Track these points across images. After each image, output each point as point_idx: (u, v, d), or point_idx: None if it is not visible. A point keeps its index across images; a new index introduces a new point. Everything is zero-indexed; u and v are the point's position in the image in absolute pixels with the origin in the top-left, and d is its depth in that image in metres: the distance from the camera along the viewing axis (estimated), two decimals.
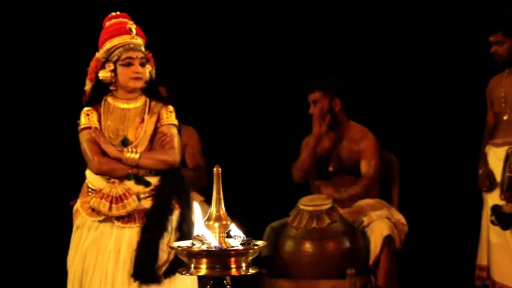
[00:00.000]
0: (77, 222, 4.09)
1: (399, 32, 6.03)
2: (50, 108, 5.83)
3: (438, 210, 5.94)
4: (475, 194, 5.68)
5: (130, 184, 4.03)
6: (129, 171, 4.01)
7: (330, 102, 5.28)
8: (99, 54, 4.09)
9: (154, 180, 4.07)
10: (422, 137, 6.05)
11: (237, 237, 2.42)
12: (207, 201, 5.14)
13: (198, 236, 2.40)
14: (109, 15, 4.16)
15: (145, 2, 5.91)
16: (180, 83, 6.14)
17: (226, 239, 2.40)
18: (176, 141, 4.10)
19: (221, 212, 2.39)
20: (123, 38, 4.06)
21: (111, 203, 3.97)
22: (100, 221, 4.02)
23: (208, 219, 2.39)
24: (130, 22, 4.12)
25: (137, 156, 3.99)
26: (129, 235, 4.00)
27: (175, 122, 4.14)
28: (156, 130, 4.10)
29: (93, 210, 3.99)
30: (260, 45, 6.12)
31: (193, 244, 2.39)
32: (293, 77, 6.15)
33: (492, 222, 4.81)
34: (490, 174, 5.14)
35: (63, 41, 5.80)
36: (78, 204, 4.10)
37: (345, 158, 5.27)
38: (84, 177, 4.17)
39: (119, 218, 3.99)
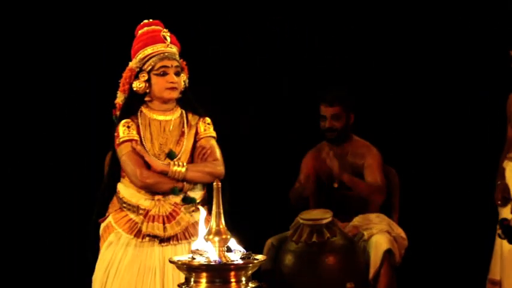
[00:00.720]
0: (110, 238, 3.92)
1: (401, 40, 6.03)
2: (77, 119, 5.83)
3: (438, 225, 5.94)
4: (475, 207, 5.69)
5: (175, 198, 3.91)
6: (175, 185, 3.89)
7: (347, 116, 5.30)
8: (132, 64, 3.97)
9: (197, 195, 3.97)
10: (421, 150, 6.05)
11: (236, 251, 2.43)
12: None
13: (197, 250, 2.40)
14: (141, 23, 4.05)
15: (144, 5, 5.92)
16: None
17: (226, 253, 2.41)
18: (218, 152, 4.01)
19: (221, 226, 2.40)
20: (157, 46, 3.95)
21: (163, 223, 3.83)
22: (141, 240, 3.86)
23: (208, 233, 2.40)
24: (165, 30, 4.01)
25: (184, 169, 3.87)
26: (173, 253, 3.85)
27: (214, 134, 4.07)
28: (195, 143, 4.01)
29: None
30: (260, 45, 6.12)
31: (193, 258, 2.40)
32: (295, 89, 6.16)
33: (499, 235, 4.81)
34: (506, 188, 5.12)
35: (89, 48, 5.78)
36: (111, 221, 3.94)
37: (346, 179, 5.26)
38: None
39: (162, 240, 3.85)
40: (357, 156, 5.31)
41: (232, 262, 2.38)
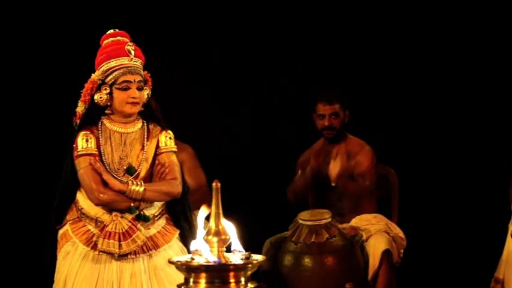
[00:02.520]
0: (66, 247, 3.89)
1: (398, 42, 6.04)
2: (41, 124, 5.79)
3: (437, 225, 5.94)
4: (474, 207, 5.70)
5: (132, 215, 3.88)
6: (132, 204, 3.86)
7: (344, 114, 5.32)
8: (95, 76, 3.91)
9: (154, 209, 3.94)
10: (420, 151, 6.05)
11: (236, 252, 2.42)
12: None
13: (197, 250, 2.40)
14: (107, 33, 3.98)
15: (140, 19, 5.93)
16: (177, 95, 6.15)
17: (225, 254, 2.41)
18: (177, 170, 3.96)
19: (220, 227, 2.40)
20: (121, 60, 3.88)
21: (119, 240, 3.80)
22: (98, 253, 3.83)
23: (208, 233, 2.40)
24: (130, 43, 3.94)
25: (142, 189, 3.83)
26: (131, 267, 3.84)
27: (175, 148, 4.00)
28: (156, 155, 3.96)
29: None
30: (259, 53, 6.13)
31: (193, 258, 2.40)
32: (292, 89, 6.17)
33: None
34: None
35: (57, 54, 5.76)
36: (68, 229, 3.91)
37: (342, 172, 5.27)
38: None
39: (120, 255, 3.82)
40: (351, 155, 5.32)
41: (232, 262, 2.38)
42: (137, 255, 3.85)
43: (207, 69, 6.18)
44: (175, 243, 3.94)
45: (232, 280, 2.35)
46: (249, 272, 2.39)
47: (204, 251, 2.37)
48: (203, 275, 2.35)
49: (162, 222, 3.97)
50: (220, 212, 2.41)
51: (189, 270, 2.37)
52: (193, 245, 2.43)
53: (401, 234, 5.17)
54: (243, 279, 2.37)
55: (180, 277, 3.81)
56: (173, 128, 4.05)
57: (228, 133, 6.20)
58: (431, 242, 5.89)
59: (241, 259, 2.39)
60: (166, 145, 3.98)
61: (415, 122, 6.07)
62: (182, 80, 6.17)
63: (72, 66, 4.67)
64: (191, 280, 2.37)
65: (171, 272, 3.84)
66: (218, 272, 2.35)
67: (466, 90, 5.93)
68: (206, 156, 5.56)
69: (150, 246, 3.87)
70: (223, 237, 2.39)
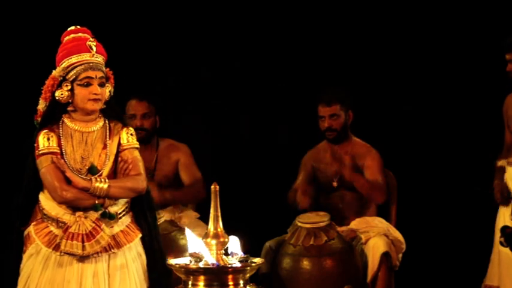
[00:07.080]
0: (30, 249, 3.84)
1: (394, 45, 6.04)
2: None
3: (436, 229, 5.94)
4: (473, 211, 5.69)
5: (96, 214, 3.81)
6: (96, 201, 3.79)
7: (345, 115, 5.31)
8: (55, 73, 3.85)
9: (118, 207, 3.88)
10: (420, 154, 6.05)
11: (234, 255, 2.43)
12: (203, 218, 5.14)
13: (195, 253, 2.40)
14: (68, 30, 3.93)
15: (140, 24, 5.92)
16: (176, 99, 6.15)
17: (224, 256, 2.41)
18: (141, 165, 3.91)
19: (219, 229, 2.40)
20: (82, 56, 3.83)
21: (83, 241, 3.75)
22: (60, 254, 3.78)
23: (206, 236, 2.40)
24: (91, 39, 3.88)
25: (106, 186, 3.77)
26: (93, 265, 3.80)
27: (137, 144, 3.94)
28: (118, 153, 3.91)
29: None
30: (258, 57, 6.13)
31: (191, 261, 2.40)
32: (292, 91, 6.17)
33: (501, 243, 4.77)
34: (504, 187, 5.11)
35: (17, 53, 5.71)
36: (32, 231, 3.85)
37: (346, 173, 5.27)
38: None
39: (82, 255, 3.78)
40: (356, 157, 5.31)
41: (230, 265, 2.38)
42: (99, 254, 3.80)
43: (206, 70, 6.18)
44: (135, 246, 3.90)
45: (231, 283, 2.35)
46: (248, 275, 2.40)
47: (204, 253, 2.38)
48: (202, 277, 2.35)
49: (126, 220, 3.91)
50: (219, 214, 2.41)
51: (188, 272, 2.37)
52: (191, 248, 2.43)
53: (400, 237, 5.17)
54: (241, 282, 2.37)
55: (137, 278, 3.85)
56: (172, 130, 4.01)
57: (227, 135, 6.20)
58: (430, 246, 5.88)
59: (240, 262, 2.39)
60: (128, 141, 3.93)
61: (414, 125, 6.07)
62: (180, 83, 6.18)
63: (32, 64, 4.57)
64: (190, 283, 2.37)
65: (129, 272, 3.83)
66: (217, 275, 2.35)
67: (466, 93, 5.93)
68: (205, 158, 5.56)
69: (112, 245, 3.82)
70: (221, 239, 2.39)
